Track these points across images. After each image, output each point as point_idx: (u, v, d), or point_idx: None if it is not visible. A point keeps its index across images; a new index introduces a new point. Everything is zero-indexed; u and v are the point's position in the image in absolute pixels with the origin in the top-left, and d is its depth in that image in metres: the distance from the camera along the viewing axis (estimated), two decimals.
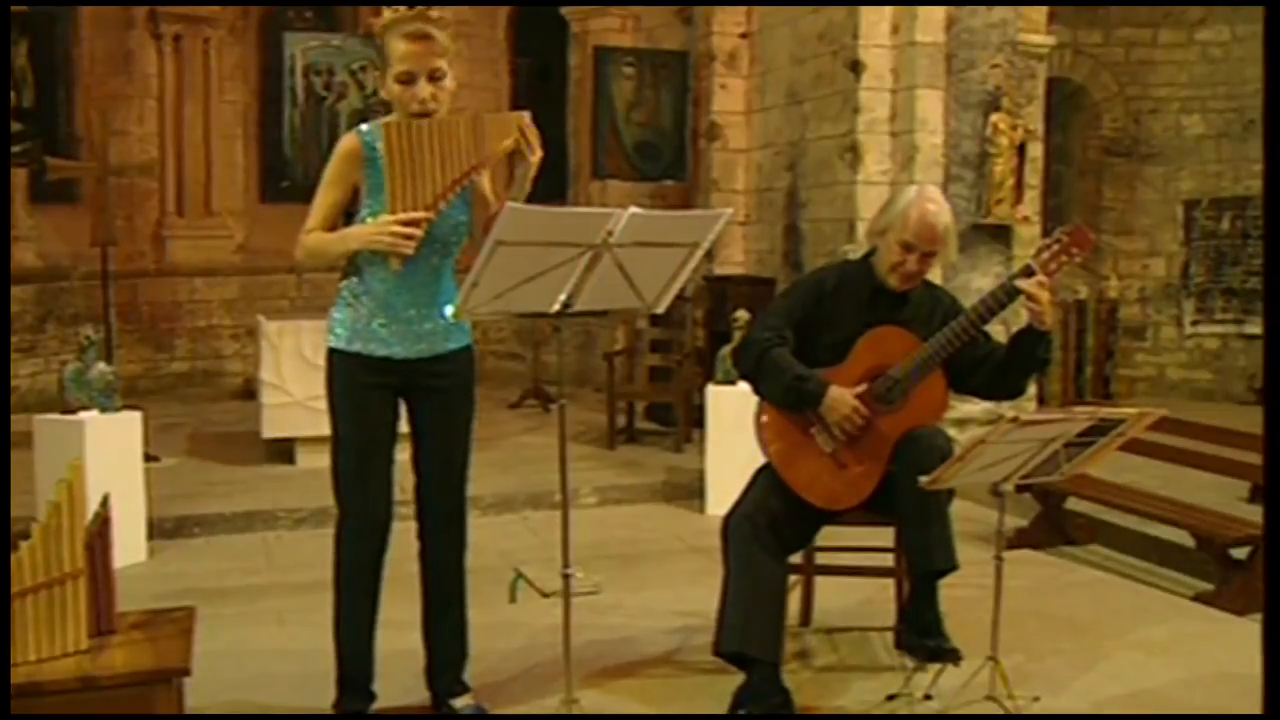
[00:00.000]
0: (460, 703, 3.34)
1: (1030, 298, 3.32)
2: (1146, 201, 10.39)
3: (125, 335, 9.21)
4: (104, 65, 9.79)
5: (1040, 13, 7.15)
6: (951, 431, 3.84)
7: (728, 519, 3.47)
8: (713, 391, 6.05)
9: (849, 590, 4.34)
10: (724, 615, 3.37)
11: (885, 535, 3.83)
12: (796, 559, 3.80)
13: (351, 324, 3.16)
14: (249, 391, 8.50)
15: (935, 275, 3.69)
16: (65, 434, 4.90)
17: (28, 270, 8.89)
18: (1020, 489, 3.43)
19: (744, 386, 3.77)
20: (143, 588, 4.52)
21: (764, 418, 3.55)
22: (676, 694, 3.61)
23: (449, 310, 3.14)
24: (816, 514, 3.55)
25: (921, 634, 3.45)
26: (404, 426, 3.28)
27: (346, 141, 3.13)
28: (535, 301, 3.00)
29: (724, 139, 8.63)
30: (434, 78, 3.03)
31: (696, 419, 6.76)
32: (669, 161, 8.93)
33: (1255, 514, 4.46)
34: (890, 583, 3.97)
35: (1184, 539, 4.87)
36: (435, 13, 3.04)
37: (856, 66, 6.95)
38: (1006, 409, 4.58)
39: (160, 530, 5.45)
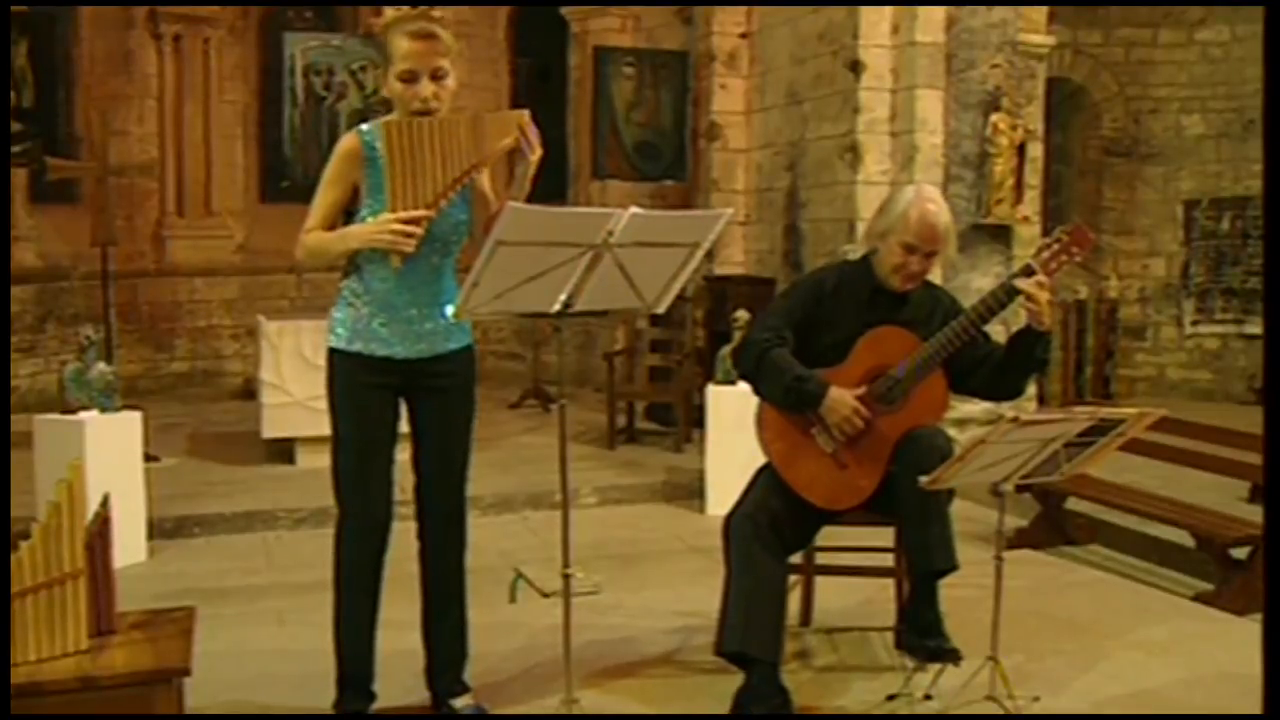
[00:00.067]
0: (460, 703, 3.34)
1: (1029, 298, 3.32)
2: (1146, 201, 10.39)
3: (125, 335, 9.22)
4: (104, 65, 9.80)
5: (1040, 13, 7.15)
6: (951, 431, 3.84)
7: (728, 519, 3.47)
8: (713, 391, 6.06)
9: (849, 590, 4.34)
10: (725, 615, 3.37)
11: (885, 535, 3.83)
12: (797, 559, 3.80)
13: (352, 324, 3.16)
14: (249, 391, 8.50)
15: (935, 275, 3.69)
16: (65, 434, 4.90)
17: (28, 270, 8.89)
18: (1020, 489, 3.43)
19: (744, 386, 3.77)
20: (143, 588, 4.52)
21: (765, 418, 3.55)
22: (676, 694, 3.61)
23: (449, 310, 3.14)
24: (817, 514, 3.55)
25: (921, 634, 3.45)
26: (404, 426, 3.28)
27: (346, 141, 3.13)
28: (536, 301, 3.00)
29: (724, 139, 8.63)
30: (436, 76, 3.03)
31: (696, 419, 6.76)
32: (669, 161, 8.93)
33: (1255, 514, 4.46)
34: (890, 583, 3.97)
35: (1184, 539, 4.87)
36: (437, 12, 3.04)
37: (856, 66, 6.96)
38: (1006, 409, 4.57)
39: (160, 530, 5.45)
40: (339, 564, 3.24)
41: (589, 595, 4.47)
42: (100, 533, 2.76)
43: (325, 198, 3.13)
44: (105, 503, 2.85)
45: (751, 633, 3.31)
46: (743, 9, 8.51)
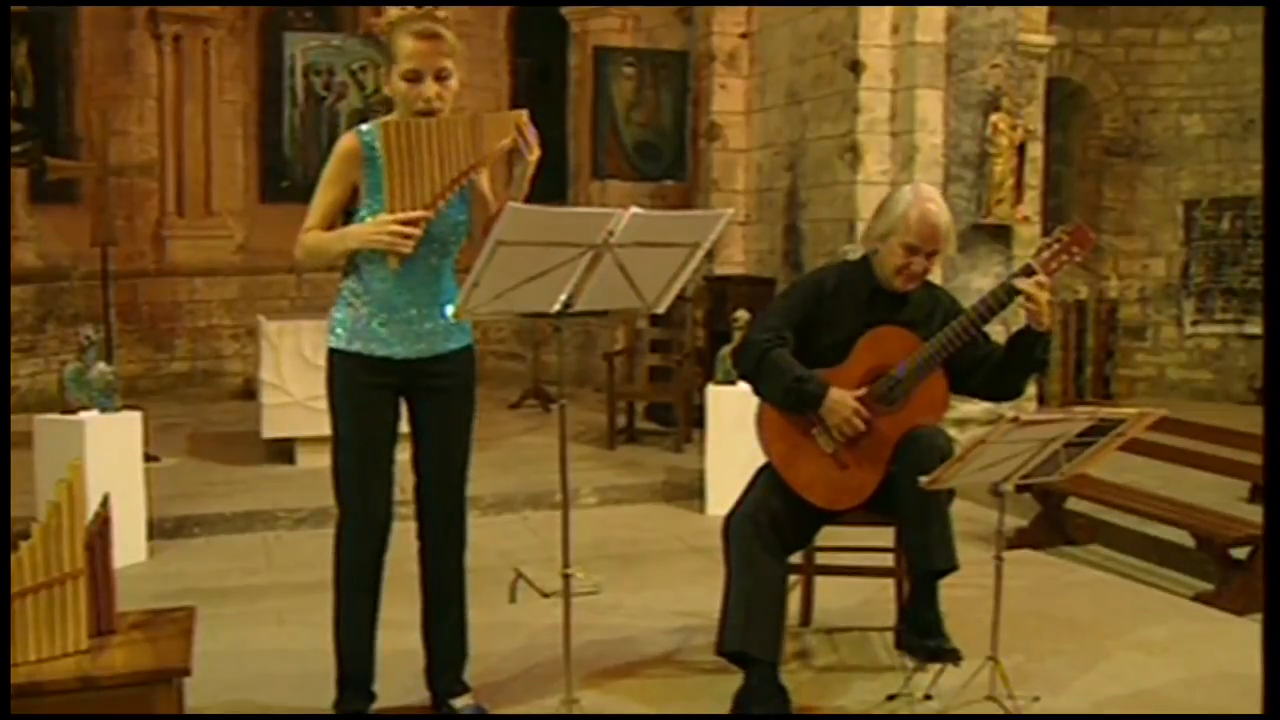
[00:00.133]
0: (460, 703, 3.34)
1: (1029, 298, 3.32)
2: (1146, 201, 10.39)
3: (125, 335, 9.22)
4: (104, 65, 9.79)
5: (1040, 13, 7.16)
6: (951, 431, 3.84)
7: (729, 519, 3.47)
8: (713, 391, 6.05)
9: (849, 590, 4.34)
10: (726, 615, 3.37)
11: (885, 535, 3.83)
12: (797, 559, 3.80)
13: (351, 324, 3.16)
14: (249, 391, 8.50)
15: (935, 275, 3.69)
16: (65, 434, 4.90)
17: (28, 270, 8.89)
18: (1020, 489, 3.43)
19: (744, 386, 3.77)
20: (143, 588, 4.52)
21: (765, 418, 3.55)
22: (676, 694, 3.61)
23: (449, 310, 3.14)
24: (817, 514, 3.55)
25: (921, 634, 3.45)
26: (404, 426, 3.28)
27: (346, 141, 3.13)
28: (536, 301, 3.00)
29: (724, 139, 8.63)
30: (440, 77, 3.04)
31: (696, 419, 6.76)
32: (669, 161, 8.93)
33: (1255, 514, 4.46)
34: (890, 583, 3.97)
35: (1184, 539, 4.87)
36: (441, 12, 3.04)
37: (856, 66, 6.96)
38: (1006, 409, 4.57)
39: (160, 530, 5.44)
40: (339, 564, 3.24)
41: (589, 595, 4.47)
42: (100, 533, 2.76)
43: (324, 197, 3.13)
44: (105, 503, 2.85)
45: (752, 632, 3.32)
46: (743, 9, 8.51)
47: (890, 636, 3.92)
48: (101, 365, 5.17)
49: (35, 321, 9.09)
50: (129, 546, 4.91)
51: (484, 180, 3.18)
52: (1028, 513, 5.45)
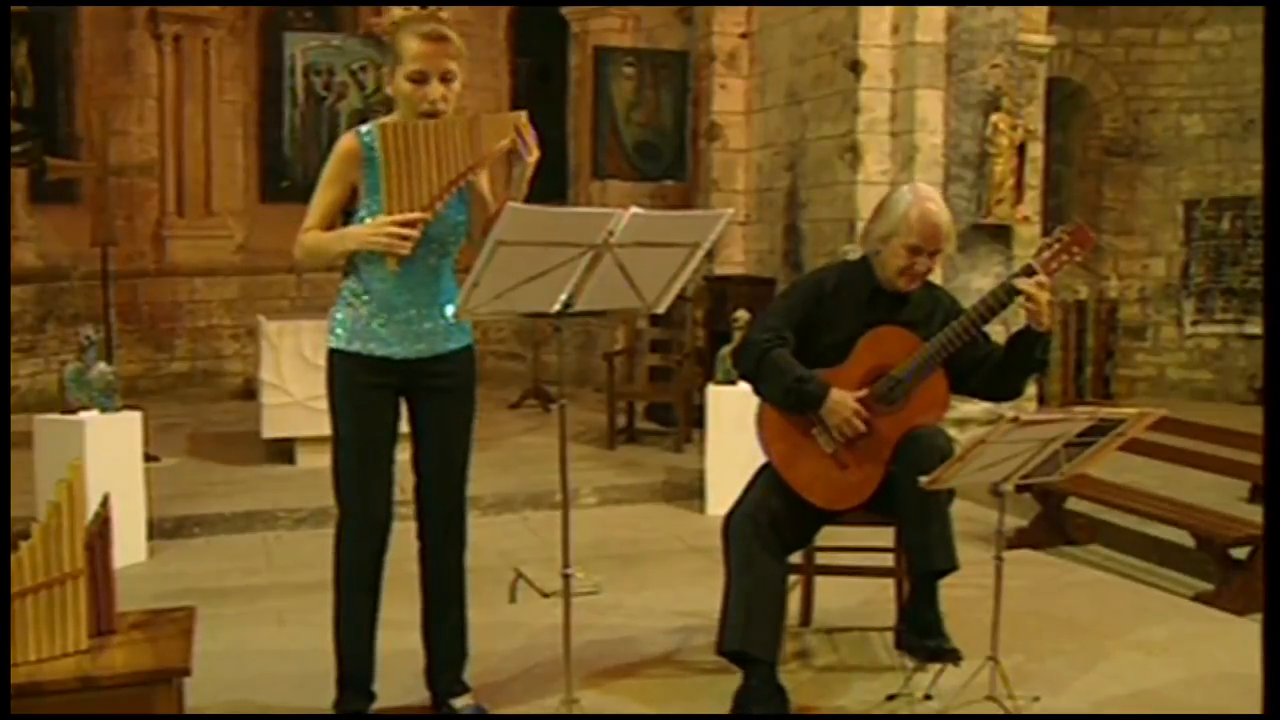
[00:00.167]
0: (460, 703, 3.34)
1: (1029, 298, 3.32)
2: (1146, 201, 10.39)
3: (125, 335, 9.22)
4: (104, 65, 9.79)
5: (1040, 13, 7.16)
6: (951, 431, 3.84)
7: (729, 518, 3.47)
8: (713, 391, 6.05)
9: (849, 590, 4.34)
10: (726, 615, 3.38)
11: (885, 535, 3.82)
12: (796, 559, 3.80)
13: (351, 324, 3.16)
14: (249, 391, 8.50)
15: (935, 275, 3.69)
16: (65, 434, 4.90)
17: (28, 270, 8.89)
18: (1020, 489, 3.43)
19: (744, 386, 3.77)
20: (143, 588, 4.52)
21: (765, 418, 3.55)
22: (676, 694, 3.61)
23: (450, 310, 3.14)
24: (817, 514, 3.55)
25: (921, 634, 3.45)
26: (404, 426, 3.28)
27: (345, 141, 3.13)
28: (536, 301, 3.00)
29: (724, 139, 8.63)
30: (445, 79, 3.03)
31: (696, 419, 6.76)
32: (669, 161, 8.93)
33: (1255, 514, 4.46)
34: (890, 583, 3.97)
35: (1184, 539, 4.87)
36: (444, 13, 3.04)
37: (856, 66, 6.96)
38: (1006, 409, 4.57)
39: (160, 530, 5.44)
40: (339, 564, 3.24)
41: (589, 595, 4.47)
42: (100, 533, 2.76)
43: (324, 197, 3.13)
44: (105, 503, 2.85)
45: (752, 632, 3.32)
46: (743, 9, 8.51)
47: (890, 636, 3.92)
48: (101, 365, 5.17)
49: (35, 321, 9.10)
50: (129, 546, 4.91)
51: (483, 181, 3.18)
52: (1028, 513, 5.45)
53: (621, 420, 7.61)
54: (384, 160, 2.98)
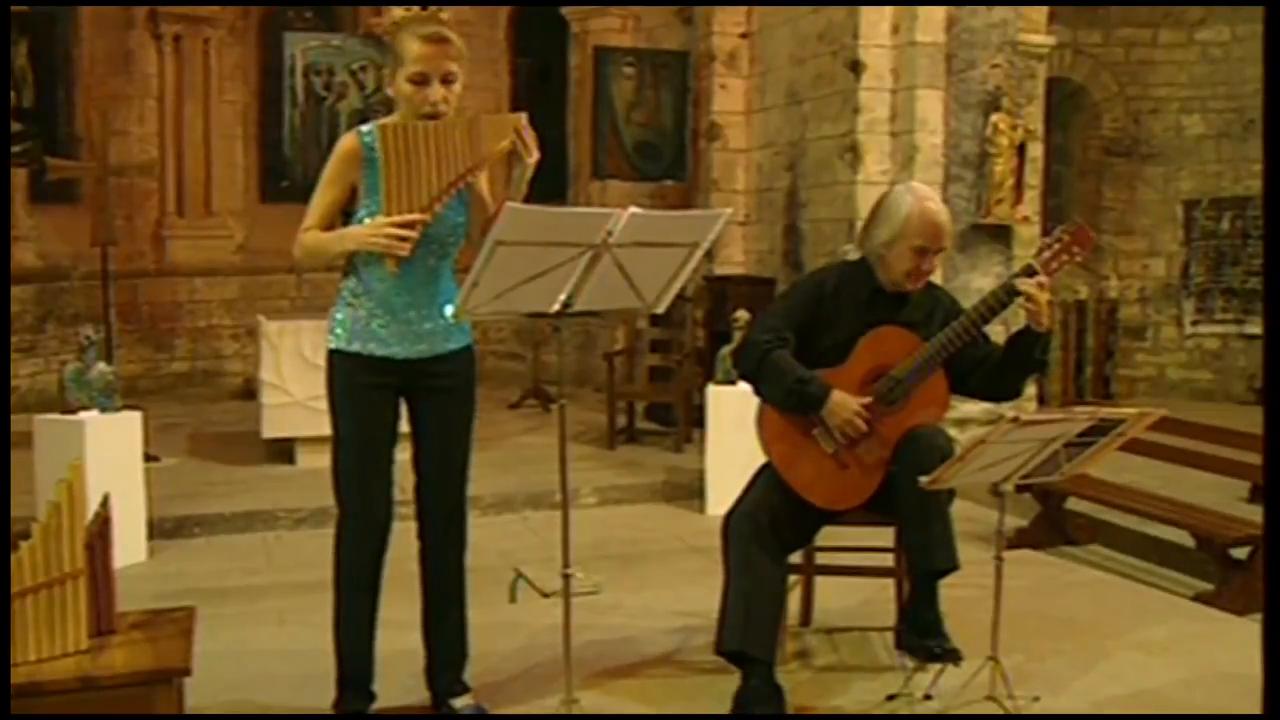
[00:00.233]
0: (460, 703, 3.34)
1: (1028, 298, 3.32)
2: (1146, 201, 10.39)
3: (125, 335, 9.22)
4: (104, 65, 9.79)
5: (1040, 13, 7.15)
6: (951, 431, 3.84)
7: (728, 518, 3.47)
8: (713, 391, 6.05)
9: (849, 590, 4.34)
10: (724, 614, 3.38)
11: (885, 535, 3.82)
12: (796, 559, 3.81)
13: (351, 324, 3.16)
14: (249, 391, 8.50)
15: (935, 275, 3.69)
16: (65, 434, 4.90)
17: (28, 270, 8.89)
18: (1020, 489, 3.43)
19: (744, 386, 3.77)
20: (143, 588, 4.52)
21: (765, 419, 3.55)
22: (676, 694, 3.61)
23: (449, 310, 3.14)
24: (817, 514, 3.55)
25: (922, 634, 3.45)
26: (404, 426, 3.28)
27: (346, 141, 3.13)
28: (535, 301, 3.00)
29: (724, 139, 8.63)
30: (446, 80, 3.03)
31: (696, 419, 6.76)
32: (669, 161, 8.93)
33: (1255, 514, 4.46)
34: (890, 583, 3.97)
35: (1184, 539, 4.87)
36: (444, 14, 3.04)
37: (856, 66, 6.95)
38: (1007, 409, 4.58)
39: (160, 530, 5.44)
40: (339, 564, 3.24)
41: (589, 595, 4.47)
42: (100, 533, 2.76)
43: (323, 197, 3.13)
44: (105, 503, 2.85)
45: (751, 632, 3.32)
46: (743, 9, 8.51)
47: (890, 636, 3.92)
48: (101, 365, 5.17)
49: (35, 321, 9.10)
50: (129, 546, 4.91)
51: (482, 182, 3.18)
52: (1028, 513, 5.45)
53: (621, 420, 7.61)
54: (383, 161, 2.98)
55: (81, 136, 9.36)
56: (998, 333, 3.89)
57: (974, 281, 6.64)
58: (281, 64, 9.64)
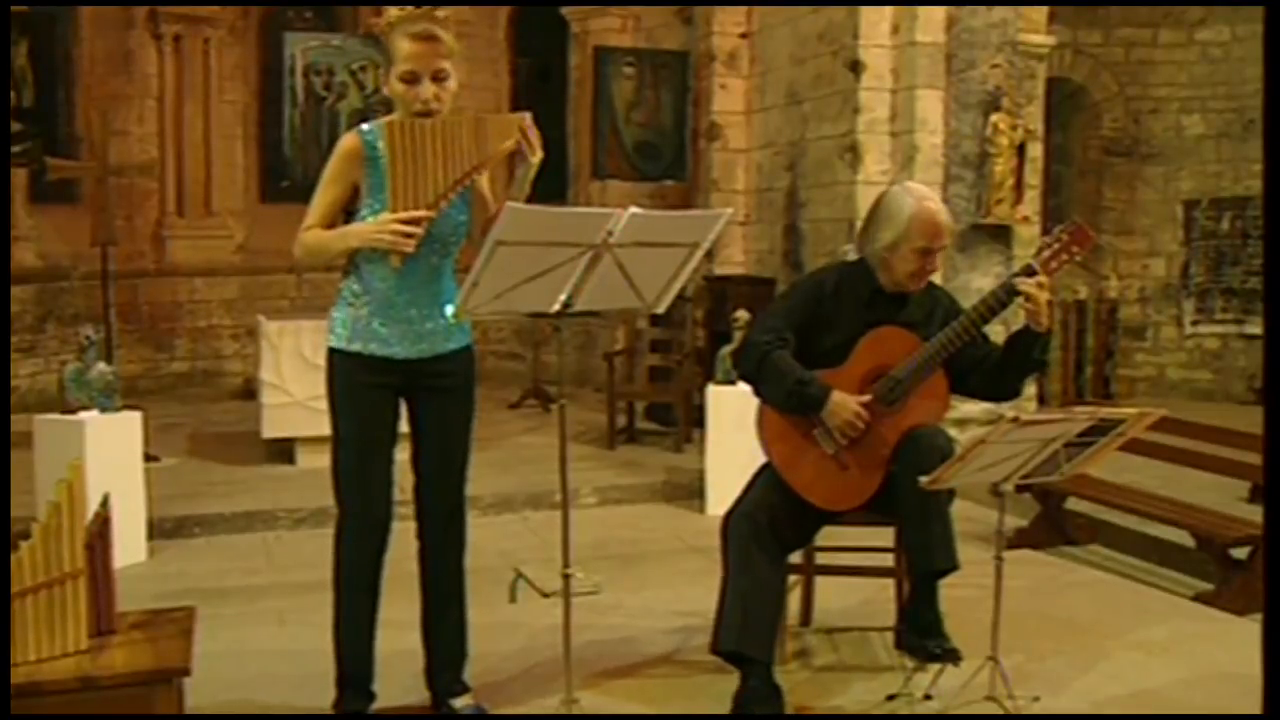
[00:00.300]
0: (460, 702, 3.34)
1: (1028, 298, 3.32)
2: (1146, 201, 10.38)
3: (125, 335, 9.22)
4: (104, 65, 9.79)
5: (1040, 13, 7.16)
6: (951, 431, 3.83)
7: (727, 517, 3.47)
8: (713, 391, 6.05)
9: (849, 590, 4.34)
10: (722, 614, 3.38)
11: (885, 535, 3.82)
12: (796, 559, 3.81)
13: (352, 324, 3.16)
14: (249, 391, 8.50)
15: (935, 275, 3.69)
16: (65, 434, 4.90)
17: (28, 270, 8.89)
18: (1020, 489, 3.43)
19: (744, 386, 3.78)
20: (143, 588, 4.52)
21: (765, 419, 3.55)
22: (676, 694, 3.61)
23: (449, 310, 3.14)
24: (817, 514, 3.55)
25: (921, 634, 3.45)
26: (404, 426, 3.28)
27: (347, 140, 3.13)
28: (535, 301, 3.01)
29: (724, 139, 8.63)
30: (438, 78, 3.04)
31: (696, 419, 6.76)
32: (669, 161, 8.93)
33: (1255, 514, 4.46)
34: (890, 583, 3.97)
35: (1184, 539, 4.86)
36: (441, 12, 3.04)
37: (856, 66, 6.96)
38: (1007, 409, 4.58)
39: (160, 530, 5.45)
40: (339, 564, 3.24)
41: (589, 595, 4.47)
42: (100, 533, 2.76)
43: (325, 196, 3.13)
44: (105, 503, 2.85)
45: (748, 633, 3.32)
46: (743, 9, 8.51)
47: (890, 636, 3.92)
48: (101, 365, 5.17)
49: (35, 321, 9.09)
50: (129, 546, 4.91)
51: (484, 181, 3.19)
52: (1028, 513, 5.45)
53: (621, 420, 7.61)
54: (390, 158, 2.99)
55: (81, 136, 9.36)
56: (998, 333, 3.89)
57: (974, 281, 6.64)
58: (281, 64, 9.63)
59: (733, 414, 5.60)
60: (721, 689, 3.44)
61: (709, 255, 5.59)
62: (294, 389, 6.46)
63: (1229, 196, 10.04)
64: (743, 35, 8.56)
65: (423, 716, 3.39)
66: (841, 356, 3.49)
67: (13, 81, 7.71)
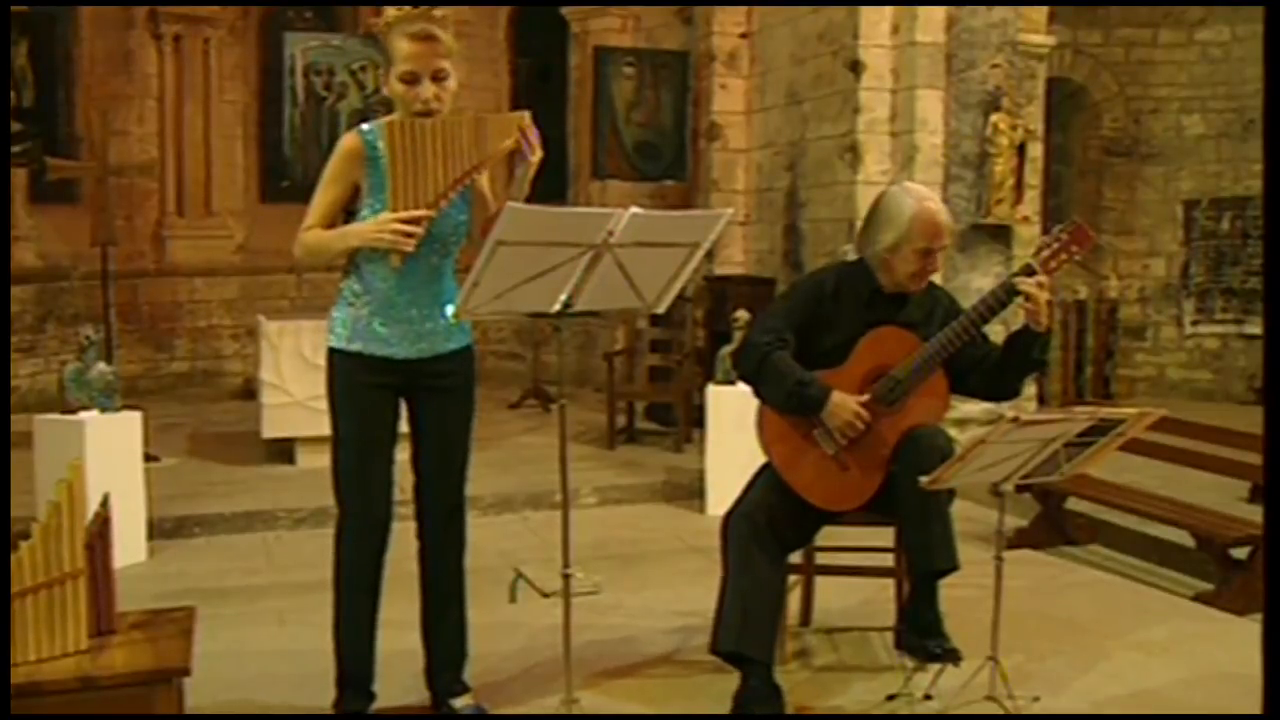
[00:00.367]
0: (460, 702, 3.34)
1: (1028, 297, 3.32)
2: (1146, 201, 10.39)
3: (125, 335, 9.22)
4: (104, 65, 9.79)
5: (1040, 13, 7.16)
6: (951, 431, 3.84)
7: (727, 517, 3.47)
8: (713, 391, 6.05)
9: (849, 590, 4.34)
10: (721, 614, 3.38)
11: (885, 535, 3.82)
12: (796, 559, 3.81)
13: (352, 324, 3.17)
14: (249, 391, 8.50)
15: (936, 275, 3.69)
16: (65, 434, 4.90)
17: (28, 270, 8.89)
18: (1020, 489, 3.43)
19: (744, 386, 3.78)
20: (143, 588, 4.52)
21: (765, 420, 3.55)
22: (676, 694, 3.61)
23: (450, 310, 3.15)
24: (817, 514, 3.55)
25: (921, 634, 3.45)
26: (404, 426, 3.28)
27: (347, 140, 3.13)
28: (536, 301, 3.01)
29: (724, 139, 8.63)
30: (437, 78, 3.04)
31: (696, 419, 6.76)
32: (669, 161, 8.93)
33: (1255, 514, 4.46)
34: (890, 583, 3.97)
35: (1184, 539, 4.87)
36: (439, 12, 3.04)
37: (856, 66, 6.96)
38: (1007, 409, 4.58)
39: (160, 530, 5.44)
40: (339, 564, 3.24)
41: (589, 595, 4.47)
42: (100, 533, 2.76)
43: (325, 196, 3.13)
44: (105, 503, 2.85)
45: (748, 633, 3.32)
46: (743, 9, 8.51)
47: (890, 636, 3.92)
48: (101, 365, 5.17)
49: (35, 321, 9.09)
50: (129, 546, 4.91)
51: (484, 181, 3.19)
52: (1028, 513, 5.45)
53: (621, 420, 7.61)
54: (390, 157, 2.99)
55: (81, 136, 9.35)
56: (998, 333, 3.89)
57: (974, 281, 6.64)
58: (281, 64, 9.63)
59: (733, 414, 5.60)
60: (721, 689, 3.44)
61: (709, 255, 5.59)
62: (294, 389, 6.46)
63: (1229, 196, 10.04)
64: (743, 35, 8.56)
65: (423, 716, 3.39)
66: (841, 357, 3.49)
67: (13, 81, 7.71)
